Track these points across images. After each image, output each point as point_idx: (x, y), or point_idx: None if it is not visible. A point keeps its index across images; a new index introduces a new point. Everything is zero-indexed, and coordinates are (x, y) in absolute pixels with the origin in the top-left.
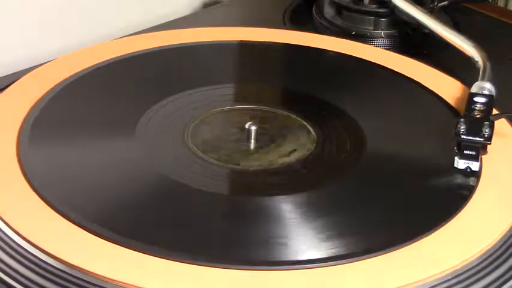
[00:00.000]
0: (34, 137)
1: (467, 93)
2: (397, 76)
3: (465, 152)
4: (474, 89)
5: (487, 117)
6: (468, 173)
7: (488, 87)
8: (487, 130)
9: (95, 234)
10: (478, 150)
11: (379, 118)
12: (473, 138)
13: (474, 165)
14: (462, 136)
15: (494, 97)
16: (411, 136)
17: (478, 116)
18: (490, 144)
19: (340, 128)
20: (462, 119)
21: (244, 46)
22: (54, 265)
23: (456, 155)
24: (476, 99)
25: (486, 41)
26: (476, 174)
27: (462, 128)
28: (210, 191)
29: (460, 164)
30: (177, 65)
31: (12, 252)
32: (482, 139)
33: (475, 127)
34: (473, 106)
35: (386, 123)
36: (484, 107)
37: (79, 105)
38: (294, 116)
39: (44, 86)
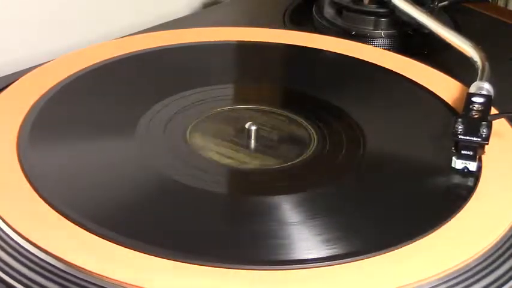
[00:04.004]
0: (34, 137)
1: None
2: (397, 76)
3: (463, 152)
4: (472, 89)
5: (485, 117)
6: (466, 173)
7: (486, 87)
8: (484, 130)
9: (95, 234)
10: (476, 151)
11: (379, 118)
12: (471, 139)
13: (472, 165)
14: (460, 136)
15: (492, 97)
16: (411, 136)
17: (476, 116)
18: (487, 144)
19: (340, 128)
20: (460, 119)
21: (244, 46)
22: (54, 264)
23: (454, 155)
24: (474, 99)
25: (486, 41)
26: (474, 174)
27: (460, 128)
28: (210, 191)
29: (458, 164)
30: (177, 65)
31: (12, 252)
32: (479, 139)
33: (472, 127)
34: (471, 106)
35: (386, 123)
36: (482, 107)
37: (79, 105)
38: (294, 116)
39: (44, 86)
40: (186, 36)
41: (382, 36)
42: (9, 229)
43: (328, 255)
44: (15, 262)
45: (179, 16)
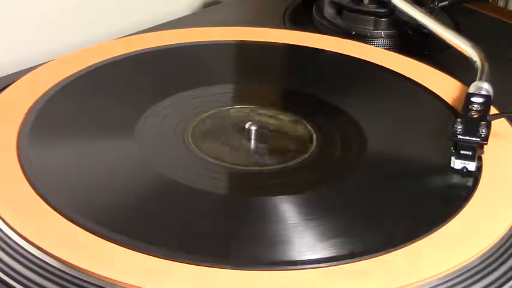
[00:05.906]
0: (34, 137)
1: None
2: (397, 76)
3: (462, 152)
4: (472, 89)
5: (484, 117)
6: (465, 173)
7: (485, 87)
8: (483, 130)
9: (94, 234)
10: (475, 151)
11: (379, 118)
12: (470, 139)
13: (471, 166)
14: (459, 136)
15: (492, 97)
16: (411, 136)
17: (475, 116)
18: (486, 144)
19: (340, 128)
20: (459, 119)
21: (244, 46)
22: (54, 265)
23: (453, 155)
24: (473, 99)
25: (486, 41)
26: (473, 175)
27: (459, 128)
28: (210, 191)
29: (457, 164)
30: (177, 65)
31: (12, 252)
32: (478, 139)
33: (471, 127)
34: (470, 106)
35: (386, 123)
36: (481, 107)
37: (79, 105)
38: (294, 116)
39: (44, 86)
40: (187, 36)
41: (382, 36)
42: (9, 229)
43: (327, 255)
44: (14, 262)
45: (179, 16)
